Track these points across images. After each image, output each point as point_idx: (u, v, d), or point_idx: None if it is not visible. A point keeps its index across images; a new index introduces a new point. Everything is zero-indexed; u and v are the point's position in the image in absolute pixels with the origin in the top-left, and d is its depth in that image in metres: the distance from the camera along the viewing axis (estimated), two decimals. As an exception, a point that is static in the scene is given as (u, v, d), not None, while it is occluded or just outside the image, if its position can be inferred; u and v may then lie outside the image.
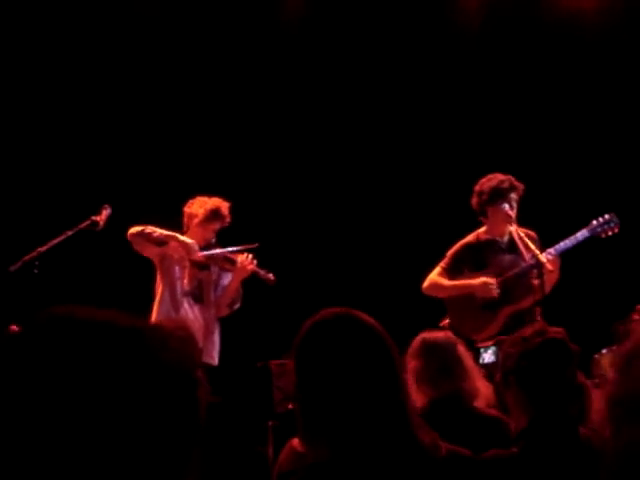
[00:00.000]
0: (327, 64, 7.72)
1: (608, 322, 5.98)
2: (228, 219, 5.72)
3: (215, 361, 5.67)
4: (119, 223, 5.54)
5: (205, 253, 5.68)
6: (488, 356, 4.65)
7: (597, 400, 4.42)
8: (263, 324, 7.13)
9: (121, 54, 7.35)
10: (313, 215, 7.60)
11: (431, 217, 7.38)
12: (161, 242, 5.62)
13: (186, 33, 7.51)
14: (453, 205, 6.23)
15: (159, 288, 5.68)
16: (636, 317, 5.39)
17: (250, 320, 7.20)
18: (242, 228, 5.94)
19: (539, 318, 5.31)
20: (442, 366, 3.42)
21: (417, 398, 3.39)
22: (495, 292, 5.48)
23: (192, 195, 5.81)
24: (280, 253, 7.12)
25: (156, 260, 5.67)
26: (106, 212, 5.40)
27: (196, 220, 5.66)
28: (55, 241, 5.26)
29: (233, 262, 5.70)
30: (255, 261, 5.70)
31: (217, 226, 5.71)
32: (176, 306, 5.62)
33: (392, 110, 7.75)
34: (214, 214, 5.65)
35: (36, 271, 5.11)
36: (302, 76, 7.72)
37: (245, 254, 5.69)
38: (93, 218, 5.35)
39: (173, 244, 5.63)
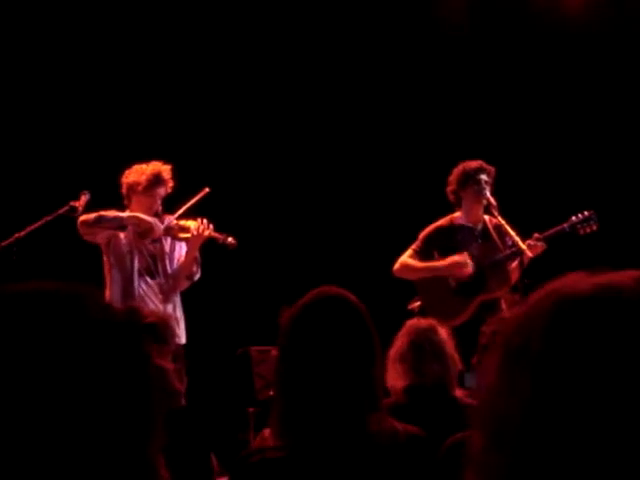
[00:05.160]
0: (310, 49, 7.69)
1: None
2: (171, 184, 5.37)
3: (182, 339, 5.27)
4: (98, 209, 5.48)
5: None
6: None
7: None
8: (243, 310, 7.12)
9: (102, 42, 7.28)
10: (288, 195, 7.58)
11: (406, 199, 7.40)
12: (121, 227, 5.31)
13: (159, 18, 7.47)
14: (430, 189, 6.21)
15: (107, 270, 5.34)
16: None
17: (230, 306, 7.18)
18: (220, 210, 5.81)
19: (504, 307, 5.31)
20: (423, 351, 3.44)
21: (397, 381, 3.42)
22: (470, 269, 5.44)
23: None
24: (257, 239, 7.10)
25: (103, 243, 5.34)
26: (85, 198, 5.32)
27: (139, 188, 5.29)
28: (33, 227, 5.22)
29: (187, 230, 5.32)
30: (211, 225, 5.33)
31: (162, 192, 5.35)
32: (129, 283, 5.26)
33: (375, 95, 7.74)
34: (157, 179, 5.29)
35: (14, 257, 5.06)
36: (283, 60, 7.69)
37: (200, 219, 5.31)
38: (72, 204, 5.27)
39: (132, 226, 5.30)
